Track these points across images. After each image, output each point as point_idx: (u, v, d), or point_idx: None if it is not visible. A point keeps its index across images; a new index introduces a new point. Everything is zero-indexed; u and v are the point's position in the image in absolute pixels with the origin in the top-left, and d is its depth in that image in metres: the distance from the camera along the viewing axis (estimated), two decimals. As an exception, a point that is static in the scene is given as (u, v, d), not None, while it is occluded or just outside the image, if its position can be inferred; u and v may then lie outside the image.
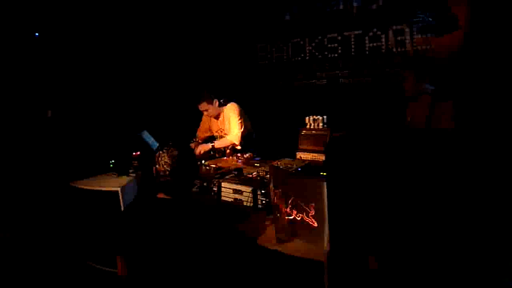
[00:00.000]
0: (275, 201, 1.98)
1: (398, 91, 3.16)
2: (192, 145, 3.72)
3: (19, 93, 4.02)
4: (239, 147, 3.69)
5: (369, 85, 4.32)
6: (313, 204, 1.76)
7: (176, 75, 5.33)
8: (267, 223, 2.13)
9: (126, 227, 1.67)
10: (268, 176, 2.53)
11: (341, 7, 4.43)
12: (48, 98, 4.27)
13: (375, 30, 4.23)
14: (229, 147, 3.72)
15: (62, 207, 3.18)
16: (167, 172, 1.69)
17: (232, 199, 2.49)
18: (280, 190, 1.94)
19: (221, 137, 3.84)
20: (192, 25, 5.30)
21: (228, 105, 3.76)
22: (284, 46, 5.01)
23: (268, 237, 1.96)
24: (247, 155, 3.47)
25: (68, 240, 3.15)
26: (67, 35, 4.36)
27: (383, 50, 4.19)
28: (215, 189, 2.60)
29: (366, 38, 4.30)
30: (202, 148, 3.61)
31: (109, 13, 4.64)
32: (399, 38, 4.06)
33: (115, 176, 3.04)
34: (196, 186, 2.71)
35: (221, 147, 3.72)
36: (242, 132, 3.65)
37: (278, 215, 1.94)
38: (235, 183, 2.51)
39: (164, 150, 1.72)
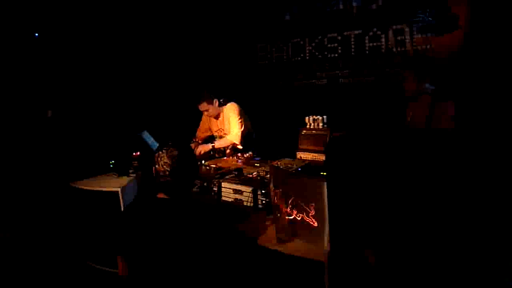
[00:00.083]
0: (275, 201, 1.98)
1: (398, 91, 3.16)
2: (192, 145, 3.72)
3: (19, 93, 4.02)
4: (239, 147, 3.69)
5: (369, 85, 4.32)
6: (313, 204, 1.76)
7: (176, 75, 5.33)
8: (267, 223, 2.13)
9: (126, 227, 1.67)
10: (268, 176, 2.53)
11: (341, 7, 4.43)
12: (48, 98, 4.27)
13: (375, 30, 4.23)
14: (229, 147, 3.72)
15: (62, 207, 3.18)
16: (167, 172, 1.68)
17: (232, 199, 2.49)
18: (280, 190, 1.94)
19: (221, 137, 3.84)
20: (192, 25, 5.30)
21: (228, 104, 3.76)
22: (284, 46, 5.01)
23: (269, 237, 1.96)
24: (247, 155, 3.47)
25: (68, 240, 3.15)
26: (67, 35, 4.36)
27: (383, 50, 4.19)
28: (215, 189, 2.60)
29: (366, 38, 4.30)
30: (202, 149, 3.61)
31: (109, 13, 4.64)
32: (399, 38, 4.06)
33: (115, 176, 3.04)
34: (196, 186, 2.71)
35: (221, 147, 3.72)
36: (242, 132, 3.65)
37: (278, 215, 1.94)
38: (235, 183, 2.51)
39: (163, 150, 1.71)
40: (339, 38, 4.51)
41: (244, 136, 3.69)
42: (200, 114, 3.88)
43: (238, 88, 5.05)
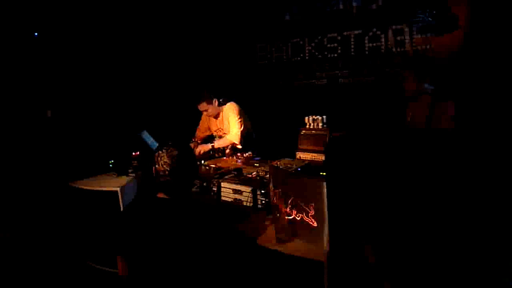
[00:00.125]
0: (275, 201, 1.98)
1: (398, 91, 3.16)
2: (192, 145, 3.72)
3: (18, 93, 4.01)
4: (239, 147, 3.69)
5: (369, 85, 4.32)
6: (313, 204, 1.76)
7: (176, 75, 5.33)
8: (266, 223, 2.13)
9: (126, 227, 1.66)
10: (267, 176, 2.53)
11: (340, 7, 4.43)
12: (47, 98, 4.27)
13: (374, 30, 4.23)
14: (229, 147, 3.72)
15: (62, 207, 3.18)
16: (167, 172, 1.68)
17: (232, 199, 2.49)
18: (280, 190, 1.94)
19: (220, 136, 3.84)
20: (192, 25, 5.30)
21: (228, 104, 3.75)
22: (284, 46, 5.01)
23: (268, 237, 1.96)
24: (246, 155, 3.47)
25: (68, 240, 3.15)
26: (66, 35, 4.36)
27: (383, 50, 4.19)
28: (215, 189, 2.60)
29: (366, 38, 4.30)
30: (202, 148, 3.60)
31: (108, 13, 4.63)
32: (398, 38, 4.06)
33: (115, 176, 3.04)
34: (196, 186, 2.71)
35: (221, 147, 3.72)
36: (241, 131, 3.64)
37: (278, 215, 1.94)
38: (234, 183, 2.51)
39: (163, 150, 1.71)
40: (339, 38, 4.51)
41: (244, 136, 3.68)
42: (199, 113, 3.88)
43: (237, 88, 5.05)
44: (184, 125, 4.31)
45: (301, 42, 4.84)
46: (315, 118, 3.31)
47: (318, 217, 1.75)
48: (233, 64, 5.36)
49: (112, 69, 4.73)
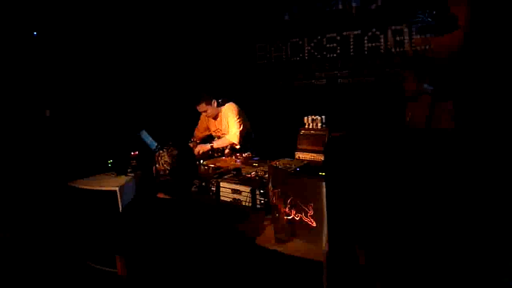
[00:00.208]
0: (274, 201, 1.97)
1: (398, 91, 3.16)
2: (191, 144, 3.72)
3: (17, 93, 4.01)
4: (238, 147, 3.69)
5: (368, 85, 4.32)
6: (312, 204, 1.76)
7: (175, 74, 5.32)
8: (266, 223, 2.13)
9: (125, 227, 1.66)
10: (266, 176, 2.52)
11: (340, 7, 4.43)
12: (46, 98, 4.26)
13: (374, 30, 4.23)
14: (228, 147, 3.72)
15: (61, 206, 3.18)
16: (167, 172, 1.68)
17: (231, 199, 2.48)
18: (279, 190, 1.94)
19: (219, 137, 3.84)
20: (191, 24, 5.30)
21: (226, 105, 3.75)
22: (283, 46, 5.01)
23: (267, 237, 1.96)
24: (245, 155, 3.46)
25: (67, 240, 3.14)
26: (65, 34, 4.35)
27: (382, 50, 4.19)
28: (214, 189, 2.59)
29: (365, 38, 4.30)
30: (201, 148, 3.60)
31: (108, 12, 4.63)
32: (398, 38, 4.06)
33: (114, 175, 3.03)
34: (195, 186, 2.70)
35: (220, 147, 3.71)
36: (241, 132, 3.64)
37: (277, 215, 1.93)
38: (234, 183, 2.50)
39: (164, 150, 1.71)
40: (338, 38, 4.51)
41: (243, 136, 3.68)
42: (198, 113, 3.88)
43: (237, 88, 5.04)
44: (183, 125, 4.31)
45: (301, 42, 4.84)
46: (314, 118, 3.30)
47: (317, 217, 1.75)
48: (232, 64, 5.35)
49: (111, 69, 4.73)
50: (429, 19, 3.78)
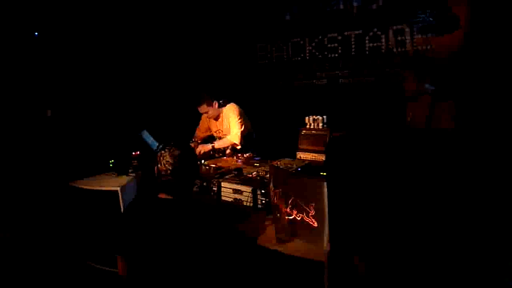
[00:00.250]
0: (275, 201, 1.98)
1: (398, 91, 3.16)
2: (192, 144, 3.72)
3: (18, 93, 4.01)
4: (239, 147, 3.69)
5: (369, 85, 4.32)
6: (313, 204, 1.76)
7: (176, 74, 5.32)
8: (267, 223, 2.13)
9: (126, 227, 1.67)
10: (268, 176, 2.53)
11: (341, 7, 4.42)
12: (47, 98, 4.27)
13: (375, 30, 4.22)
14: (229, 147, 3.72)
15: (62, 207, 3.18)
16: (169, 172, 1.68)
17: (232, 199, 2.49)
18: (280, 190, 1.94)
19: (220, 138, 3.84)
20: (192, 25, 5.30)
21: (228, 106, 3.76)
22: (284, 46, 5.01)
23: (268, 237, 1.96)
24: (247, 155, 3.47)
25: (68, 240, 3.15)
26: (66, 34, 4.36)
27: (383, 50, 4.19)
28: (215, 189, 2.59)
29: (366, 38, 4.30)
30: (202, 148, 3.61)
31: (108, 13, 4.63)
32: (399, 38, 4.06)
33: (115, 175, 3.03)
34: (196, 186, 2.71)
35: (221, 147, 3.72)
36: (242, 132, 3.64)
37: (278, 215, 1.94)
38: (235, 183, 2.51)
39: (166, 150, 1.72)
40: (339, 38, 4.51)
41: (244, 136, 3.69)
42: (199, 113, 3.88)
43: (238, 88, 5.05)
44: (184, 125, 4.31)
45: (302, 42, 4.84)
46: (316, 118, 3.31)
47: (318, 217, 1.75)
48: (234, 64, 5.35)
49: (112, 69, 4.73)
50: (430, 19, 3.78)
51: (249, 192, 2.38)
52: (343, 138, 2.29)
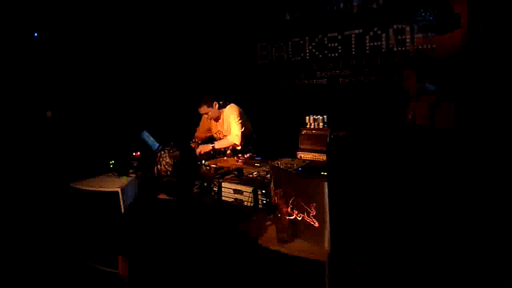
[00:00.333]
0: (276, 201, 1.97)
1: (399, 90, 3.15)
2: (192, 145, 3.72)
3: (18, 94, 4.01)
4: (239, 148, 3.69)
5: (370, 85, 4.31)
6: (314, 204, 1.75)
7: (176, 75, 5.32)
8: (268, 223, 2.13)
9: (127, 228, 1.66)
10: (268, 176, 2.52)
11: (341, 6, 4.41)
12: (47, 99, 4.27)
13: (375, 29, 4.21)
14: (230, 147, 3.72)
15: (63, 208, 3.18)
16: (169, 172, 1.68)
17: (232, 199, 2.48)
18: (280, 190, 1.94)
19: (220, 139, 3.84)
20: (192, 25, 5.30)
21: (228, 107, 3.76)
22: (284, 46, 5.00)
23: (269, 237, 1.96)
24: (247, 155, 3.46)
25: (68, 241, 3.15)
26: (67, 35, 4.36)
27: (384, 49, 4.17)
28: (216, 189, 2.59)
29: (367, 37, 4.29)
30: (203, 149, 3.61)
31: (109, 13, 4.63)
32: (399, 37, 4.04)
33: (115, 176, 3.03)
34: (197, 186, 2.70)
35: (221, 148, 3.71)
36: (242, 133, 3.64)
37: (279, 215, 1.93)
38: (235, 183, 2.50)
39: (165, 150, 1.71)
40: (340, 37, 4.50)
41: (244, 137, 3.68)
42: (199, 114, 3.88)
43: (238, 88, 5.04)
44: (184, 126, 4.31)
45: (302, 42, 4.83)
46: (316, 117, 3.30)
47: (319, 217, 1.75)
48: (234, 64, 5.35)
49: (112, 70, 4.73)
50: (430, 17, 3.77)
51: (250, 192, 2.37)
52: (345, 137, 2.29)
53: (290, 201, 1.87)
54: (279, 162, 3.05)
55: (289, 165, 2.95)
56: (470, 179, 1.65)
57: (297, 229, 1.88)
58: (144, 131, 3.37)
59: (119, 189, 2.74)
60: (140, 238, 1.60)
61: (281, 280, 1.82)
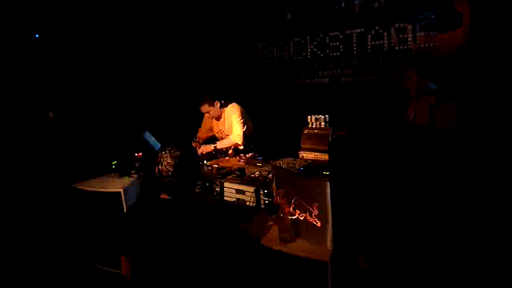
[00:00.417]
0: (278, 201, 1.97)
1: (401, 89, 3.14)
2: (194, 145, 3.72)
3: (21, 95, 4.02)
4: (241, 147, 3.69)
5: (371, 84, 4.30)
6: (316, 204, 1.75)
7: (178, 75, 5.32)
8: (270, 223, 2.13)
9: (129, 228, 1.66)
10: (270, 175, 2.52)
11: (342, 5, 4.41)
12: (50, 100, 4.28)
13: (377, 28, 4.20)
14: (231, 147, 3.72)
15: (65, 208, 3.19)
16: (170, 173, 1.68)
17: (234, 199, 2.48)
18: (283, 190, 1.93)
19: (222, 138, 3.84)
20: (193, 25, 5.30)
21: (229, 106, 3.75)
22: (286, 45, 5.00)
23: (272, 237, 1.96)
24: (249, 155, 3.46)
25: (71, 241, 3.15)
26: (68, 36, 4.36)
27: (386, 49, 4.17)
28: (218, 189, 2.59)
29: (368, 36, 4.28)
30: (204, 149, 3.60)
31: (110, 14, 4.64)
32: (401, 36, 4.03)
33: (118, 177, 3.04)
34: (199, 186, 2.70)
35: (223, 148, 3.71)
36: (244, 132, 3.64)
37: (281, 215, 1.93)
38: (237, 183, 2.50)
39: (166, 151, 1.71)
40: (341, 36, 4.49)
41: (246, 137, 3.68)
42: (201, 114, 3.88)
43: (239, 87, 5.03)
44: (186, 126, 4.31)
45: (303, 41, 4.83)
46: (318, 117, 3.29)
47: (321, 217, 1.74)
48: (235, 63, 5.35)
49: (114, 70, 4.74)
50: (432, 16, 3.75)
51: (252, 192, 2.37)
52: (347, 137, 2.29)
53: (292, 201, 1.87)
54: (281, 162, 3.04)
55: (291, 165, 2.94)
56: (470, 178, 1.65)
57: (299, 229, 1.88)
58: (146, 132, 3.38)
59: (121, 190, 2.75)
60: (142, 239, 1.61)
61: (284, 280, 1.81)
